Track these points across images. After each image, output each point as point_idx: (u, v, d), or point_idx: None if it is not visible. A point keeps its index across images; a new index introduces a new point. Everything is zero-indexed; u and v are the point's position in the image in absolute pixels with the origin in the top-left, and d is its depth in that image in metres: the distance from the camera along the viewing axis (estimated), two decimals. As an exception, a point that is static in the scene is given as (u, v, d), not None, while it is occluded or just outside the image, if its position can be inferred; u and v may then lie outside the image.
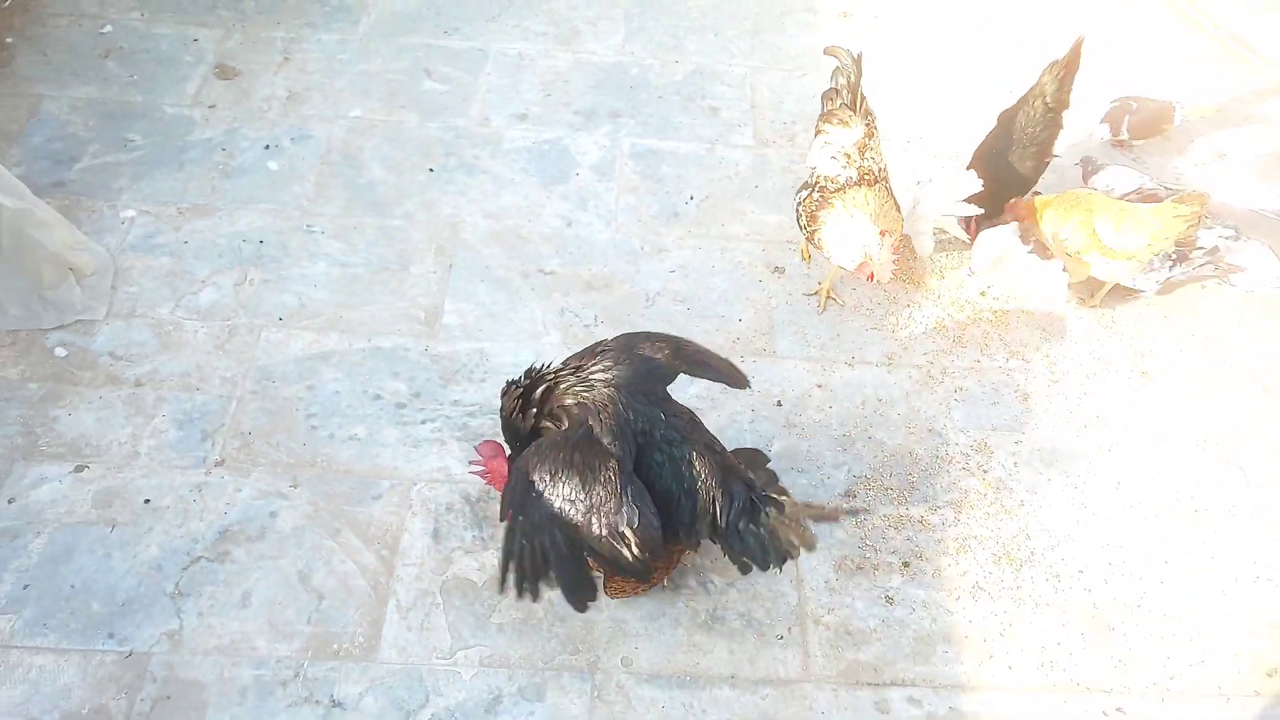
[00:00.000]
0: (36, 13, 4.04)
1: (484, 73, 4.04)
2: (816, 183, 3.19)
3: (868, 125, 3.14)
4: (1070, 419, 3.12)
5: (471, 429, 2.92)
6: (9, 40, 3.91)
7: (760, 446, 2.95)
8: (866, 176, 3.10)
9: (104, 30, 4.01)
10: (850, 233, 3.04)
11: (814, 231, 3.16)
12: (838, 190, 3.10)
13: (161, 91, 3.79)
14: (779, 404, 3.07)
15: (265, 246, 3.32)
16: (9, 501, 2.66)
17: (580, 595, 2.27)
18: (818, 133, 3.23)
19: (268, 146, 3.63)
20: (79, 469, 2.74)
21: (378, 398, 2.97)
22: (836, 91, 3.21)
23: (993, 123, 3.50)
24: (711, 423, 2.66)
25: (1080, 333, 3.37)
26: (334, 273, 3.28)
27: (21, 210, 2.98)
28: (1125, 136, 3.95)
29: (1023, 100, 3.44)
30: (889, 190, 3.15)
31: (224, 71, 3.90)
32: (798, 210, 3.25)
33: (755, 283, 3.40)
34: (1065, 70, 3.35)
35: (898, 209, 3.16)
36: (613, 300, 3.30)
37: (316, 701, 2.37)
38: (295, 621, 2.50)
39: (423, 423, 2.93)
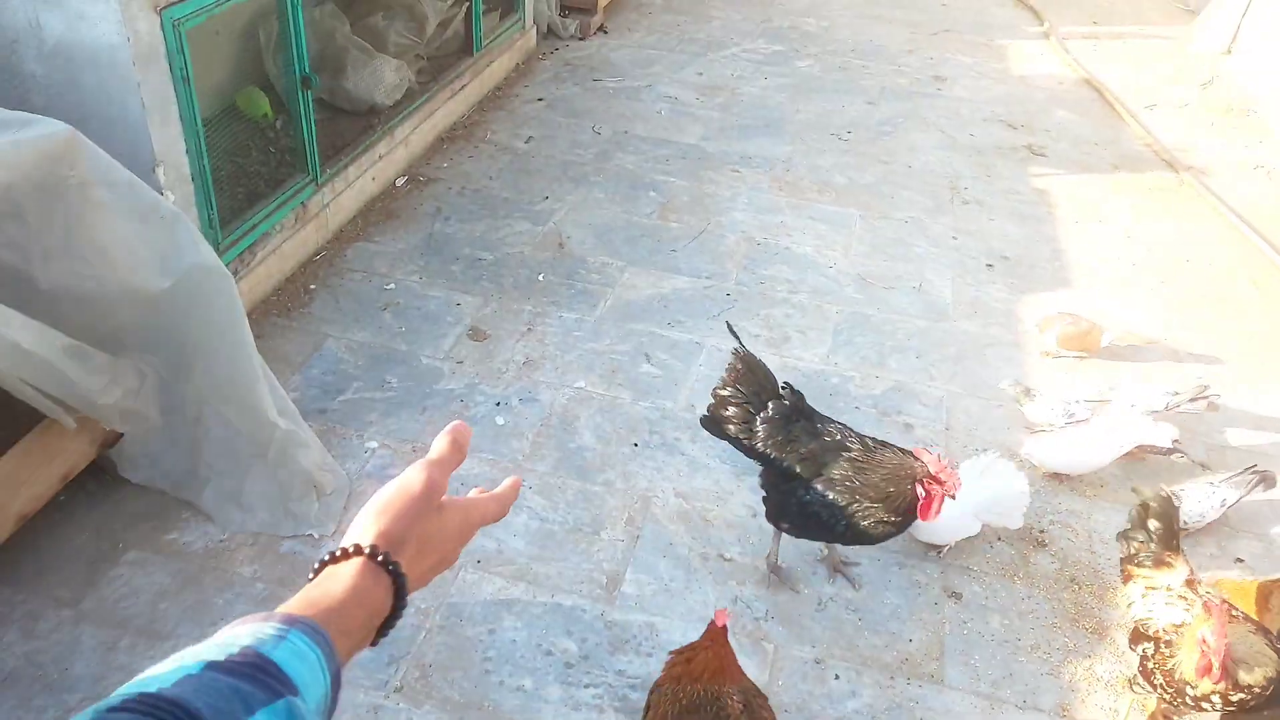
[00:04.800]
0: (338, 266, 4.86)
1: (697, 363, 4.44)
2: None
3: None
4: (1269, 819, 2.84)
5: (632, 702, 3.01)
6: (312, 287, 4.70)
7: (916, 779, 2.87)
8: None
9: (388, 287, 4.75)
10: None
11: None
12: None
13: (422, 344, 4.41)
14: (941, 737, 2.99)
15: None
16: (216, 688, 2.95)
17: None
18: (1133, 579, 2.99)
19: (498, 404, 4.09)
20: (280, 670, 3.01)
21: (549, 653, 3.14)
22: (1149, 533, 2.97)
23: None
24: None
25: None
26: (533, 526, 3.57)
27: (291, 431, 3.50)
28: (1054, 348, 4.57)
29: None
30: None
31: (476, 334, 4.50)
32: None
33: (930, 604, 3.41)
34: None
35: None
36: (786, 598, 3.39)
37: None
38: None
39: (586, 686, 3.05)
